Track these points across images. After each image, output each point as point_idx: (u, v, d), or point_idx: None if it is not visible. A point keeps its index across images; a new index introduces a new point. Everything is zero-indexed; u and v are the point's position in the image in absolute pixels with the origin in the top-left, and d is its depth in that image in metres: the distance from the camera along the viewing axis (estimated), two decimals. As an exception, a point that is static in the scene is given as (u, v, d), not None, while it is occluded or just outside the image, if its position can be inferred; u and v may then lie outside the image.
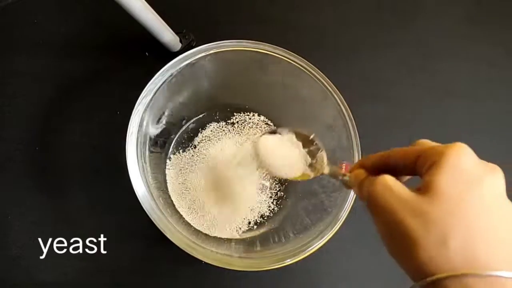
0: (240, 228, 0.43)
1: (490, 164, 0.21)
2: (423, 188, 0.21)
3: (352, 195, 0.36)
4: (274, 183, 0.45)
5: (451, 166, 0.20)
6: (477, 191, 0.20)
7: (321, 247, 0.35)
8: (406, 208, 0.21)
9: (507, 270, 0.19)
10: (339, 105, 0.38)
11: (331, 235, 0.35)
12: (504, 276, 0.18)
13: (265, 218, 0.44)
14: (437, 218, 0.20)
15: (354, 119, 0.38)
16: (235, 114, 0.47)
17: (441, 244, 0.19)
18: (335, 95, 0.38)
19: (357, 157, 0.37)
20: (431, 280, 0.19)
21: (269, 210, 0.44)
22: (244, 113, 0.47)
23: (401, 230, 0.20)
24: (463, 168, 0.20)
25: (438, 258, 0.19)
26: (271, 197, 0.45)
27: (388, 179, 0.22)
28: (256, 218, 0.44)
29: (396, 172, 0.24)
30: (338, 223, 0.35)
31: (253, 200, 0.44)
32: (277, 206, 0.44)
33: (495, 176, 0.21)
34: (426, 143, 0.24)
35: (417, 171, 0.23)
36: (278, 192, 0.45)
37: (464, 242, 0.19)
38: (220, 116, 0.47)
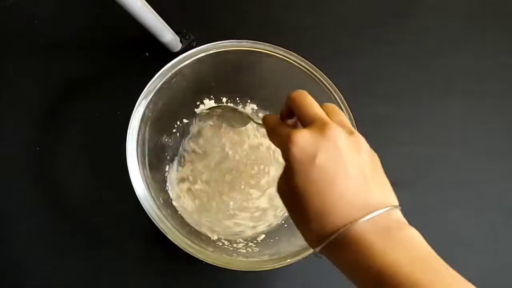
0: (241, 229, 0.43)
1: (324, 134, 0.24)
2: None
3: None
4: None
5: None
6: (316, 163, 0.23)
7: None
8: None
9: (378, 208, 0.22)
10: (340, 104, 0.38)
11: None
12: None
13: (267, 219, 0.44)
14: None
15: (354, 118, 0.38)
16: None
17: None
18: (335, 94, 0.38)
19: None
20: (324, 244, 0.23)
21: (272, 213, 0.44)
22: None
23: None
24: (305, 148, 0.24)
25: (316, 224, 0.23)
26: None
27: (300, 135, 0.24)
28: (258, 219, 0.43)
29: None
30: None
31: (256, 201, 0.44)
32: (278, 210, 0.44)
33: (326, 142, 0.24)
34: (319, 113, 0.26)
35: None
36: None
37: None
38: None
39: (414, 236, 0.23)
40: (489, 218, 0.48)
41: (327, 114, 0.26)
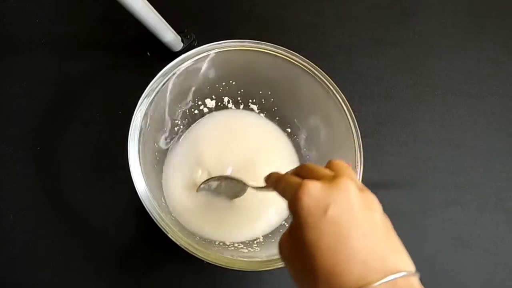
0: (243, 229, 0.43)
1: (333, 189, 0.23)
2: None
3: None
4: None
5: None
6: (324, 220, 0.22)
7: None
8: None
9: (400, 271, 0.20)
10: (341, 104, 0.38)
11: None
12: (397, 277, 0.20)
13: (268, 219, 0.44)
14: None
15: (356, 118, 0.38)
16: (237, 112, 0.47)
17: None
18: (337, 94, 0.38)
19: (359, 156, 0.37)
20: None
21: (273, 213, 0.44)
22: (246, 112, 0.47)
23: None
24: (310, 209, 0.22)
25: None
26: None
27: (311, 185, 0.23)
28: (259, 220, 0.43)
29: None
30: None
31: (260, 203, 0.44)
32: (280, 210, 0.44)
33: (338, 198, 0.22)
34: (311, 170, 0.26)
35: None
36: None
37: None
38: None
39: None
40: (490, 218, 0.48)
41: (333, 169, 0.25)
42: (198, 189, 0.41)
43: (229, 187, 0.41)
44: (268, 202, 0.44)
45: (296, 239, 0.23)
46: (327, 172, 0.25)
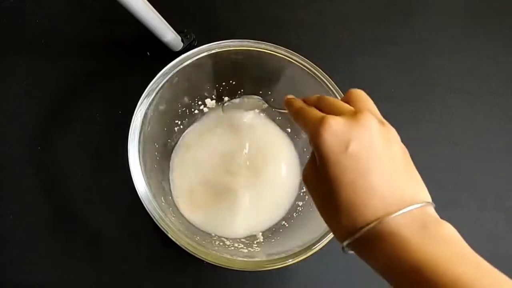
0: (243, 229, 0.43)
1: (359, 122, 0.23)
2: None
3: None
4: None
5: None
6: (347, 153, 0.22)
7: (323, 247, 0.35)
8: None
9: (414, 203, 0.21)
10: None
11: (332, 236, 0.35)
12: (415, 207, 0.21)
13: (269, 218, 0.44)
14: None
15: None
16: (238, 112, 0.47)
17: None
18: (337, 94, 0.38)
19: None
20: (358, 236, 0.22)
21: (274, 213, 0.44)
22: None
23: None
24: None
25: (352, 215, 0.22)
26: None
27: (333, 121, 0.23)
28: (260, 220, 0.43)
29: None
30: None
31: (259, 201, 0.44)
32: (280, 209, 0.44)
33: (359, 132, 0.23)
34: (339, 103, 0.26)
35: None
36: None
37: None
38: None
39: (452, 231, 0.21)
40: (489, 217, 0.48)
41: (354, 102, 0.25)
42: (223, 107, 0.43)
43: (251, 102, 0.43)
44: (267, 197, 0.44)
45: (319, 171, 0.23)
46: (347, 107, 0.25)
